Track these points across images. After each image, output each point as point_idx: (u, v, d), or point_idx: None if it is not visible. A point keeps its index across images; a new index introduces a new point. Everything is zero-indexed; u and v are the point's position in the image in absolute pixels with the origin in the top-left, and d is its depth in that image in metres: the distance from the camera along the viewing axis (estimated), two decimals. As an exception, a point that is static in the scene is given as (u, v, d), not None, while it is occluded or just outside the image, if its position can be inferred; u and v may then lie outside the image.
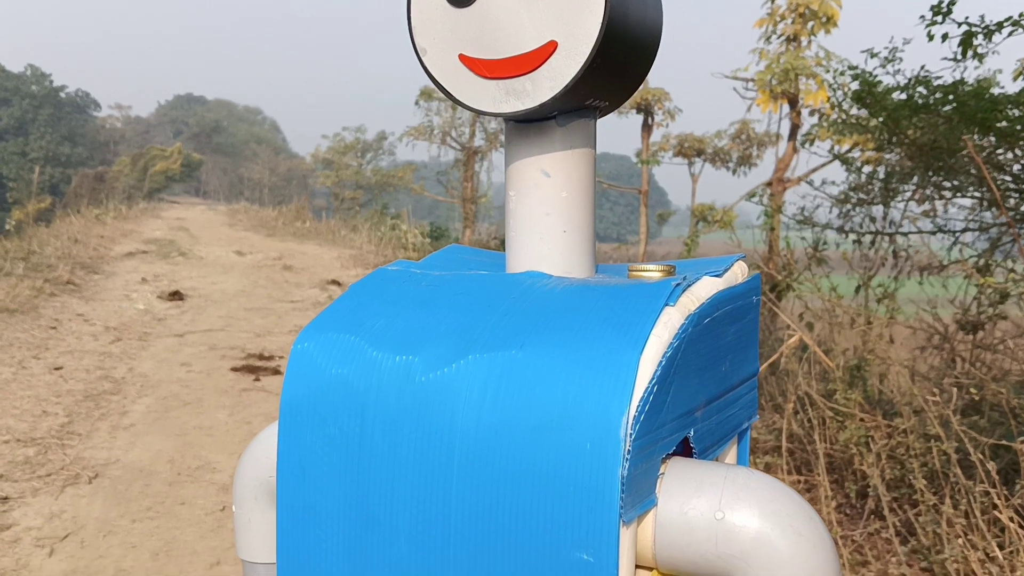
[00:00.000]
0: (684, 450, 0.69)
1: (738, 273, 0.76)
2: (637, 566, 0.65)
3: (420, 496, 0.65)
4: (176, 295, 6.37)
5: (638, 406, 0.61)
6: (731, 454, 0.79)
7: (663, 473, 0.64)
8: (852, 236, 5.13)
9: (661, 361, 0.63)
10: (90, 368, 4.63)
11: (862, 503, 2.91)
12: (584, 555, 0.61)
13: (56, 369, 4.55)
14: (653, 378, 0.62)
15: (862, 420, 2.92)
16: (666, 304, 0.65)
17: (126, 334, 5.37)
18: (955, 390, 2.45)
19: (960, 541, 2.13)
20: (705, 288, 0.70)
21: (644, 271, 0.73)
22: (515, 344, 0.66)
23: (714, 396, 0.71)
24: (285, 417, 0.71)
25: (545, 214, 0.73)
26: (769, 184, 7.67)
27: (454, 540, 0.64)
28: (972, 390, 2.40)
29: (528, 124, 0.71)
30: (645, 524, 0.63)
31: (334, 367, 0.70)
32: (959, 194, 4.21)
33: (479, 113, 0.69)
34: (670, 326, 0.65)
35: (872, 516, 2.80)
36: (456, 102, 0.69)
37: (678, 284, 0.68)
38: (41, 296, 5.91)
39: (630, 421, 0.61)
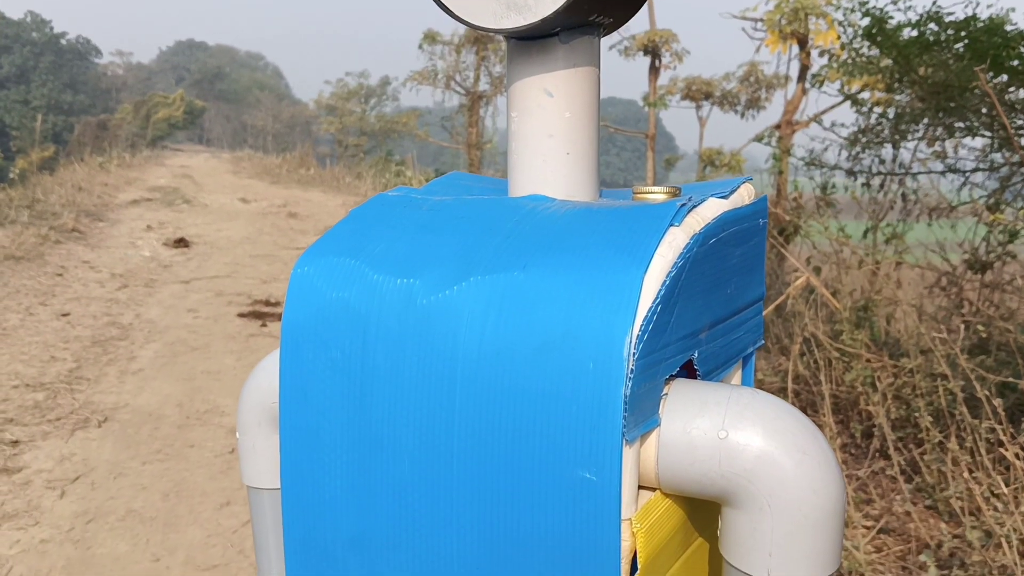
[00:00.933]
0: (688, 373, 0.69)
1: (745, 195, 0.75)
2: (640, 487, 0.65)
3: (423, 418, 0.65)
4: (181, 242, 6.37)
5: (641, 325, 0.60)
6: (735, 378, 0.79)
7: (666, 394, 0.63)
8: (861, 179, 5.09)
9: (665, 281, 0.62)
10: (97, 314, 4.64)
11: (867, 443, 2.92)
12: (587, 473, 0.60)
13: (63, 315, 4.57)
14: (657, 298, 0.61)
15: (868, 361, 2.92)
16: (671, 224, 0.64)
17: (132, 281, 5.37)
18: (962, 327, 2.45)
19: (965, 476, 2.14)
20: (711, 209, 0.69)
21: (648, 193, 0.72)
22: (517, 266, 0.65)
23: (719, 319, 0.71)
24: (286, 341, 0.70)
25: (548, 136, 0.72)
26: (778, 127, 7.59)
27: (457, 461, 0.64)
28: (980, 327, 2.39)
29: (530, 42, 0.70)
30: (648, 444, 0.63)
31: (335, 291, 0.69)
32: (970, 135, 4.16)
33: (478, 29, 0.67)
34: (674, 246, 0.64)
35: (877, 455, 2.81)
36: (455, 17, 0.68)
37: (683, 205, 0.67)
38: (46, 243, 5.91)
39: (633, 340, 0.60)
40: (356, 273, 0.68)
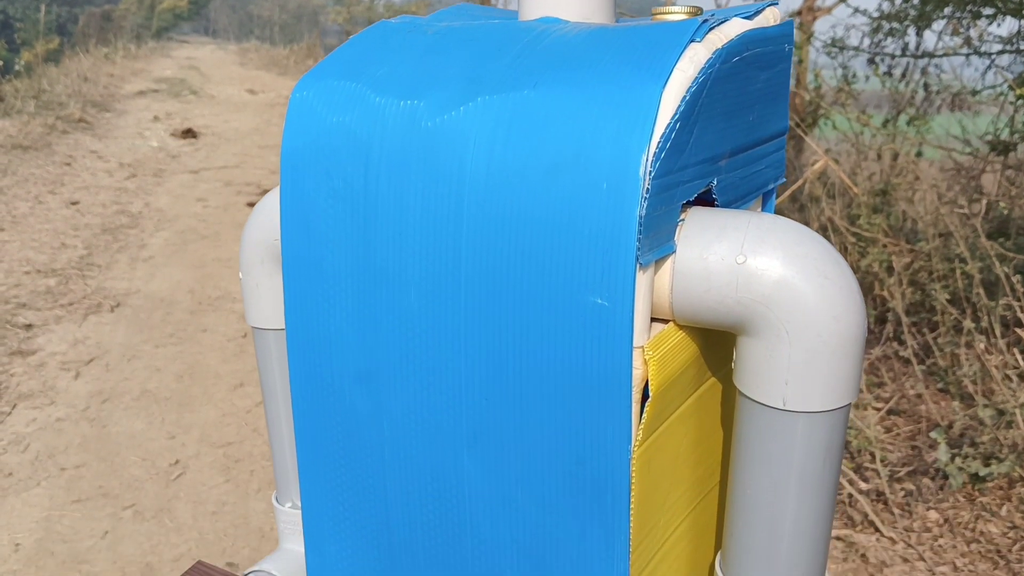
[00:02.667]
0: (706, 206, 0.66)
1: (770, 18, 0.70)
2: (653, 319, 0.63)
3: (429, 247, 0.62)
4: (189, 133, 6.30)
5: (659, 143, 0.57)
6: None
7: (683, 219, 0.61)
8: (883, 67, 4.95)
9: (685, 96, 0.58)
10: (106, 203, 4.62)
11: (881, 328, 2.91)
12: (599, 299, 0.58)
13: (72, 204, 4.55)
14: (676, 114, 0.58)
15: (885, 246, 2.88)
16: (692, 40, 0.60)
17: (141, 171, 5.33)
18: (984, 204, 2.40)
19: (979, 347, 2.13)
20: (734, 27, 0.64)
21: (667, 13, 0.67)
22: (527, 84, 0.62)
23: (740, 147, 0.67)
24: (286, 171, 0.67)
25: (560, -48, 0.67)
26: (799, 13, 7.36)
27: (464, 290, 0.62)
28: (1002, 206, 2.34)
29: None
30: (662, 273, 0.60)
31: (335, 115, 0.66)
32: (997, 22, 4.01)
33: None
34: (696, 62, 0.60)
35: (890, 340, 2.81)
36: None
37: (705, 21, 0.62)
38: (54, 133, 5.86)
39: (649, 159, 0.57)
40: (357, 96, 0.65)
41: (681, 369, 0.63)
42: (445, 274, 0.62)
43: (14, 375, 2.79)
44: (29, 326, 3.14)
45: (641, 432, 0.60)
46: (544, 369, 0.60)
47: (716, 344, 0.68)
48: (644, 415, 0.60)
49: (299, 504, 0.79)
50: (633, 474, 0.61)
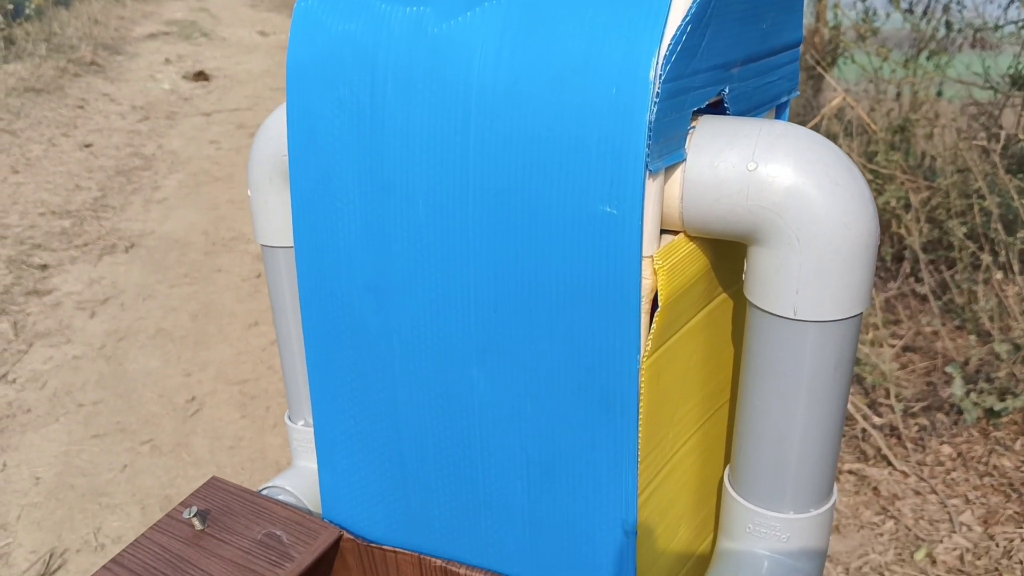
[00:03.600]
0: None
1: (786, -77, 0.68)
2: (663, 231, 0.62)
3: (436, 157, 0.62)
4: (201, 75, 6.26)
5: (669, 45, 0.56)
6: (769, 126, 0.74)
7: (694, 127, 0.60)
8: (904, 4, 4.85)
9: (696, -2, 0.57)
10: (119, 145, 4.62)
11: (897, 267, 2.89)
12: (608, 207, 0.57)
13: (86, 146, 4.55)
14: (687, 16, 0.56)
15: (902, 183, 2.84)
16: (704, -59, 0.59)
17: (153, 113, 5.32)
18: (1002, 136, 2.36)
19: (997, 278, 2.11)
20: (748, -71, 0.63)
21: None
22: (534, -12, 0.60)
23: (753, 56, 0.66)
24: (292, 83, 0.66)
25: None
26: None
27: (472, 200, 0.61)
28: (1022, 139, 2.30)
29: None
30: (672, 182, 0.59)
31: (340, 24, 0.65)
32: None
33: None
34: (708, -38, 0.58)
35: (907, 278, 2.79)
36: None
37: (718, -77, 0.61)
38: (66, 76, 5.83)
39: (659, 62, 0.55)
40: (362, 4, 0.64)
41: (691, 281, 0.63)
42: (453, 185, 0.61)
43: (30, 314, 2.81)
44: (44, 266, 3.16)
45: (650, 343, 0.60)
46: (553, 280, 0.60)
47: (727, 259, 0.67)
48: (653, 326, 0.59)
49: (311, 422, 0.80)
50: (642, 385, 0.60)
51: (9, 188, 3.90)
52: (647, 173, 0.56)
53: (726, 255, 0.67)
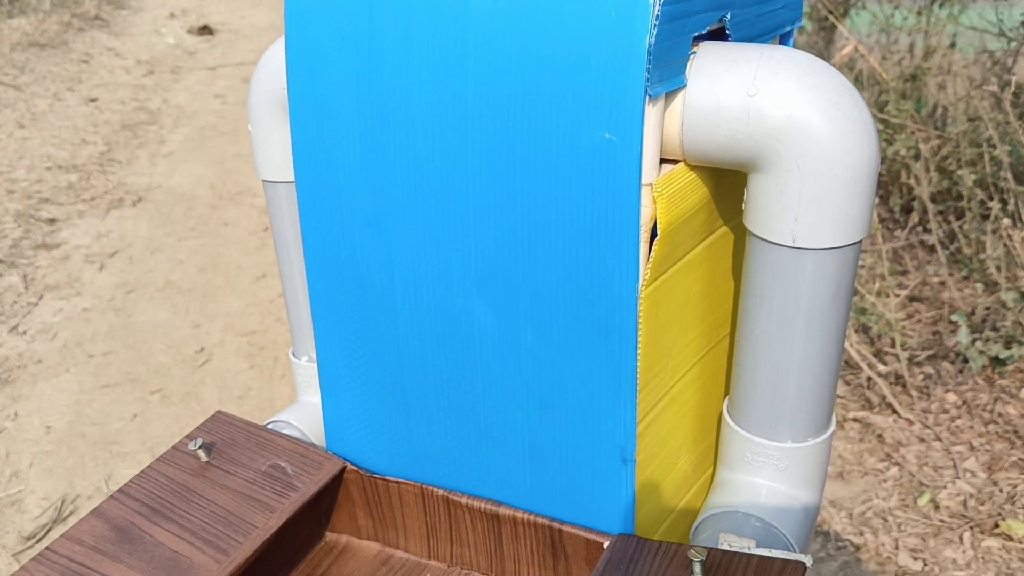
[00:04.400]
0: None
1: None
2: (663, 160, 0.62)
3: (435, 86, 0.61)
4: (205, 29, 6.22)
5: (669, -33, 0.55)
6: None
7: (695, 52, 0.59)
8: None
9: (697, -82, 0.56)
10: (125, 100, 4.60)
11: (906, 218, 2.87)
12: (607, 134, 0.57)
13: (91, 101, 4.53)
14: (687, -63, 0.56)
15: (913, 133, 2.82)
16: None
17: (158, 68, 5.29)
18: (1013, 83, 2.34)
19: (1005, 225, 2.11)
20: None
21: None
22: (533, -88, 0.60)
23: (755, -18, 0.65)
24: (289, 13, 0.66)
25: None
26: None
27: (472, 130, 0.61)
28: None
29: None
30: (672, 109, 0.59)
31: (336, -49, 0.64)
32: None
33: None
34: None
35: (915, 229, 2.77)
36: None
37: None
38: (70, 31, 5.80)
39: (659, -16, 0.55)
40: (359, -70, 0.63)
41: (691, 211, 0.63)
42: (452, 113, 0.61)
43: (39, 267, 2.83)
44: (53, 220, 3.17)
45: (649, 272, 0.60)
46: (553, 209, 0.60)
47: (727, 192, 0.67)
48: (652, 254, 0.60)
49: (315, 357, 0.80)
50: (641, 314, 0.61)
51: (15, 143, 3.89)
52: (647, 98, 0.55)
53: (726, 187, 0.67)
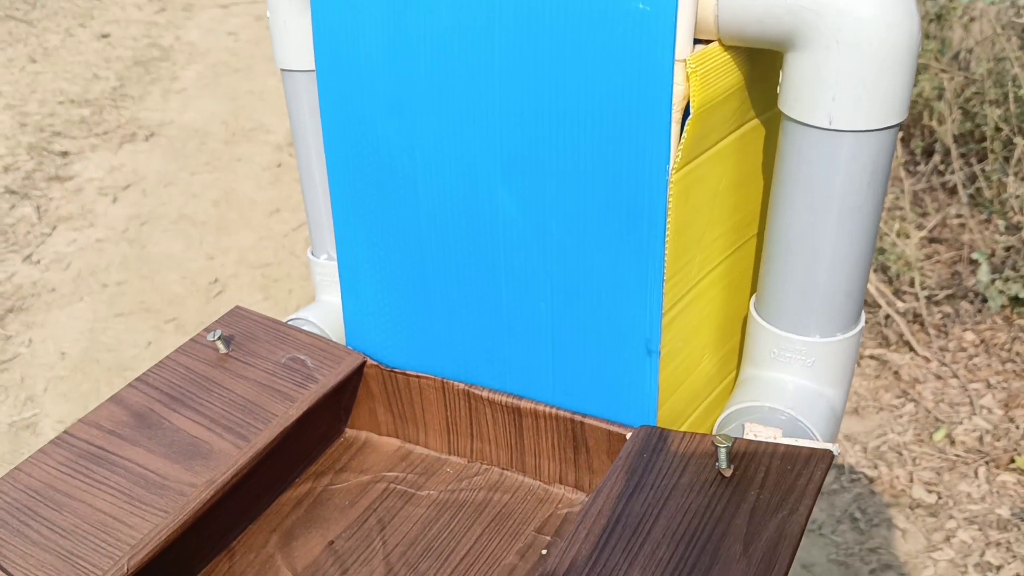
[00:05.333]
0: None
1: None
2: (696, 41, 0.60)
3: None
4: (219, -31, 6.14)
5: None
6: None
7: (733, -78, 0.57)
8: None
9: None
10: (137, 36, 4.55)
11: (927, 160, 2.83)
12: (640, 4, 0.55)
13: (103, 37, 4.49)
14: None
15: (936, 74, 2.77)
16: None
17: (170, 4, 5.23)
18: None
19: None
20: None
21: None
22: None
23: None
24: None
25: None
26: None
27: (499, 4, 0.59)
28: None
29: None
30: (709, -14, 0.57)
31: None
32: None
33: None
34: None
35: (936, 172, 2.74)
36: None
37: None
38: (82, -32, 5.73)
39: None
40: None
41: (724, 94, 0.61)
42: (478, -13, 0.59)
43: (53, 199, 2.82)
44: (65, 153, 3.16)
45: (681, 154, 0.58)
46: (582, 87, 0.58)
47: (761, 81, 0.65)
48: (684, 136, 0.58)
49: (334, 255, 0.79)
50: (671, 199, 0.59)
51: (28, 77, 3.87)
52: (682, -34, 0.53)
53: (760, 75, 0.64)
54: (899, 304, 2.03)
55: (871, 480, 1.62)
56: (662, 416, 0.66)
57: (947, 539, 1.49)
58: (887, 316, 2.02)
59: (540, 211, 0.63)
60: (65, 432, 0.65)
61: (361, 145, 0.68)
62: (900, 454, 1.67)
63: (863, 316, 0.67)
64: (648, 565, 0.53)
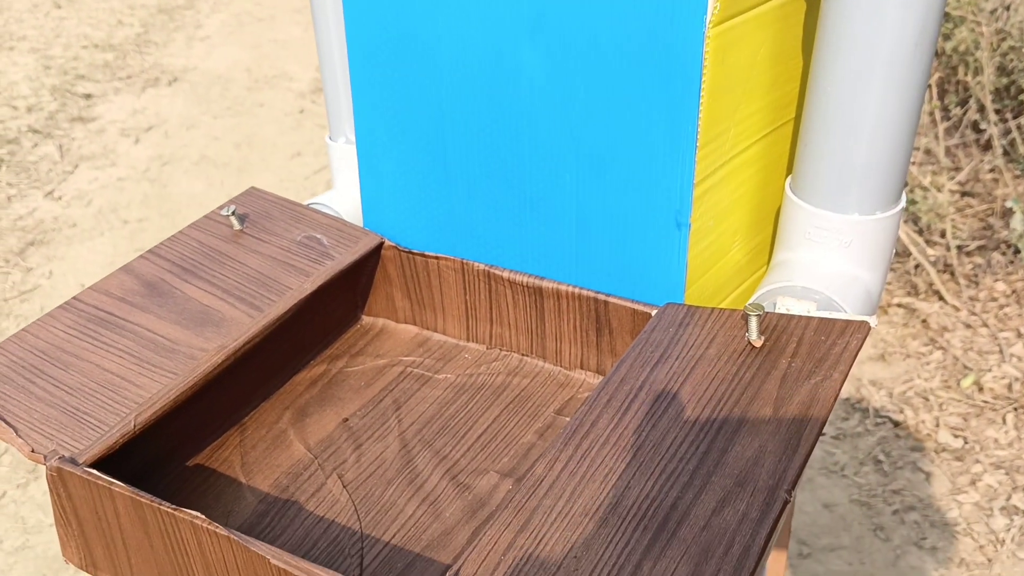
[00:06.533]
0: None
1: None
2: None
3: None
4: (245, -78, 6.10)
5: None
6: None
7: None
8: None
9: None
10: (162, -15, 4.53)
11: (961, 115, 2.77)
12: None
13: (129, -15, 4.47)
14: None
15: (972, 28, 2.70)
16: None
17: (196, -43, 5.20)
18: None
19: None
20: None
21: None
22: None
23: None
24: None
25: None
26: None
27: None
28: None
29: None
30: None
31: None
32: None
33: None
34: None
35: (971, 126, 2.68)
36: None
37: None
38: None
39: None
40: None
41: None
42: None
43: (75, 139, 2.81)
44: (88, 95, 3.15)
45: (719, 7, 0.55)
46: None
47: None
48: (722, -13, 0.55)
49: (352, 137, 0.77)
50: (706, 55, 0.56)
51: (52, 22, 3.86)
52: None
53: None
54: (929, 251, 1.99)
55: (896, 424, 1.59)
56: (689, 299, 0.63)
57: (972, 483, 1.46)
58: (917, 265, 1.97)
59: (568, 73, 0.60)
60: (73, 298, 0.63)
61: (381, 9, 0.65)
62: (926, 399, 1.64)
63: (904, 196, 0.64)
64: (672, 427, 0.50)
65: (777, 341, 0.56)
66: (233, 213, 0.69)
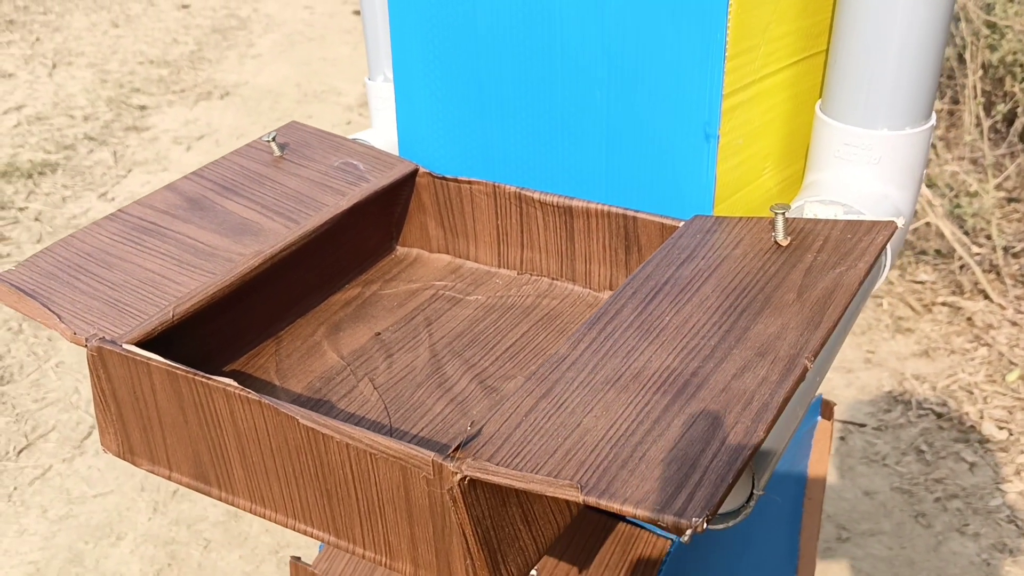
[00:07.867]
0: None
1: None
2: None
3: None
4: (297, -49, 6.25)
5: None
6: None
7: None
8: None
9: None
10: (216, 7, 4.65)
11: (1007, 128, 2.74)
12: None
13: (183, 7, 4.60)
14: None
15: (1021, 39, 2.68)
16: None
17: (250, -18, 5.33)
18: None
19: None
20: None
21: None
22: None
23: None
24: None
25: None
26: None
27: None
28: None
29: None
30: None
31: None
32: None
33: None
34: None
35: (1018, 140, 2.65)
36: None
37: None
38: (166, -53, 5.88)
39: None
40: None
41: None
42: None
43: (129, 146, 2.89)
44: (143, 107, 3.23)
45: (745, -85, 0.56)
46: None
47: None
48: None
49: (391, 75, 0.79)
50: (734, -37, 0.57)
51: (110, 40, 3.98)
52: None
53: None
54: (975, 248, 1.97)
55: (939, 416, 1.56)
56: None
57: (1017, 472, 1.43)
58: (962, 265, 1.95)
59: (598, -11, 0.61)
60: (119, 210, 0.66)
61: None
62: (971, 393, 1.61)
63: (934, 115, 0.64)
64: (696, 312, 0.51)
65: (803, 240, 0.56)
66: (274, 139, 0.72)
